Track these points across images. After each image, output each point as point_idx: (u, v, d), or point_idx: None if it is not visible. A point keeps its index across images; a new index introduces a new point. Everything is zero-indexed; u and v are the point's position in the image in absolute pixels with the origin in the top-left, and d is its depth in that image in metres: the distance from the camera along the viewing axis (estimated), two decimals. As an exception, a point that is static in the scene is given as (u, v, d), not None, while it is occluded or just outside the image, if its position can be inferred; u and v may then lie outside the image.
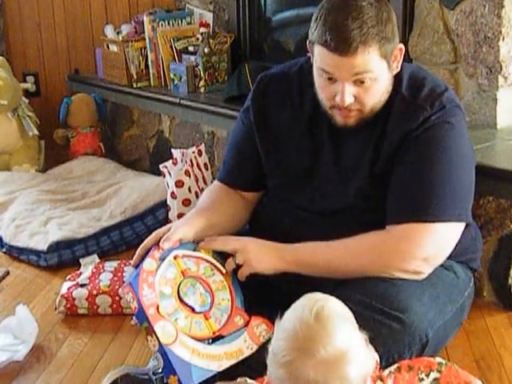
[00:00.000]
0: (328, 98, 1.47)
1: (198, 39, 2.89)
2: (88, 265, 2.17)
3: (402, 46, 1.47)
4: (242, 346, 1.40)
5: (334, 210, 1.55)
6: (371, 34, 1.37)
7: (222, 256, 1.53)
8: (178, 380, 1.32)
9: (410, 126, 1.46)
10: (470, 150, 1.54)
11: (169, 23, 2.98)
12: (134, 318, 1.42)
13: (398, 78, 1.50)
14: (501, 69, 2.05)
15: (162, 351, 1.34)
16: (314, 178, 1.58)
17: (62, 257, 2.32)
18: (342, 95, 1.42)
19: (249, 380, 1.29)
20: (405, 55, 2.22)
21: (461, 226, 1.49)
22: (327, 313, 1.07)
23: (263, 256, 1.49)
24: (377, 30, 1.38)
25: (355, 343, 1.07)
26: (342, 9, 1.38)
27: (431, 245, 1.45)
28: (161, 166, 2.43)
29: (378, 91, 1.45)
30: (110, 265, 2.12)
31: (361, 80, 1.42)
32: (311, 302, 1.09)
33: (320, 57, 1.43)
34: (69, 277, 2.09)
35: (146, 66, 3.04)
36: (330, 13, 1.39)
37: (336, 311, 1.09)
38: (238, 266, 1.50)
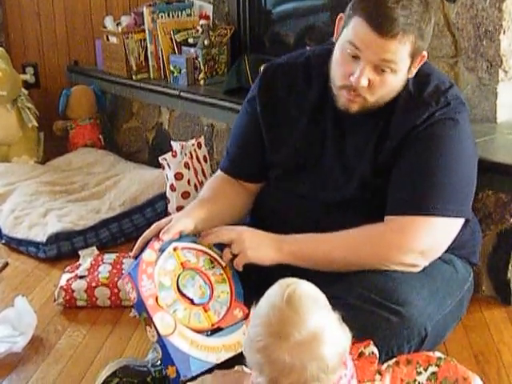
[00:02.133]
0: (343, 75, 1.45)
1: (197, 31, 2.88)
2: (87, 257, 2.17)
3: (425, 53, 1.47)
4: (240, 339, 1.40)
5: (337, 200, 1.55)
6: (414, 26, 1.37)
7: (222, 248, 1.53)
8: (176, 370, 1.33)
9: (415, 121, 1.46)
10: (473, 147, 1.54)
11: (169, 15, 2.97)
12: (133, 309, 1.42)
13: None
14: (501, 63, 2.04)
15: (161, 342, 1.34)
16: (317, 167, 1.58)
17: (61, 248, 2.32)
18: (360, 75, 1.41)
19: (245, 368, 1.29)
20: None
21: (460, 221, 1.49)
22: (298, 296, 1.08)
23: (259, 246, 1.49)
24: (419, 25, 1.38)
25: (328, 323, 1.08)
26: None
27: (428, 238, 1.45)
28: (160, 159, 2.43)
29: (390, 86, 1.44)
30: (109, 257, 2.12)
31: (382, 68, 1.41)
32: (283, 286, 1.10)
33: (355, 30, 1.40)
34: (68, 269, 2.09)
35: (146, 58, 3.03)
36: None
37: (307, 294, 1.10)
38: (235, 256, 1.50)
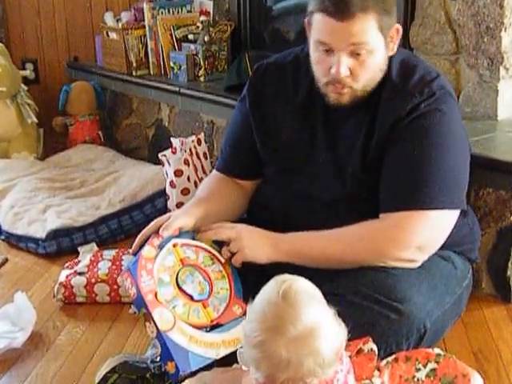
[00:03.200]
0: (324, 71, 1.45)
1: (198, 27, 2.88)
2: (86, 253, 2.17)
3: (399, 26, 1.46)
4: (239, 335, 1.39)
5: (331, 196, 1.55)
6: (371, 2, 1.37)
7: (221, 244, 1.53)
8: (176, 366, 1.33)
9: (400, 113, 1.46)
10: (464, 137, 1.52)
11: (169, 11, 2.96)
12: (132, 306, 1.42)
13: (388, 64, 1.49)
14: (502, 60, 2.04)
15: (160, 337, 1.34)
16: (310, 165, 1.58)
17: (61, 245, 2.32)
18: (338, 66, 1.41)
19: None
20: (405, 44, 2.23)
21: (455, 212, 1.49)
22: (294, 291, 1.08)
23: (257, 245, 1.49)
24: (377, 0, 1.38)
25: (324, 318, 1.08)
26: None
27: (425, 232, 1.45)
28: (160, 155, 2.42)
29: (372, 67, 1.44)
30: (109, 253, 2.12)
31: (357, 52, 1.40)
32: (278, 282, 1.11)
33: (318, 25, 1.42)
34: (67, 265, 2.09)
35: (146, 54, 3.03)
36: None
37: (303, 289, 1.11)
38: (233, 254, 1.50)
